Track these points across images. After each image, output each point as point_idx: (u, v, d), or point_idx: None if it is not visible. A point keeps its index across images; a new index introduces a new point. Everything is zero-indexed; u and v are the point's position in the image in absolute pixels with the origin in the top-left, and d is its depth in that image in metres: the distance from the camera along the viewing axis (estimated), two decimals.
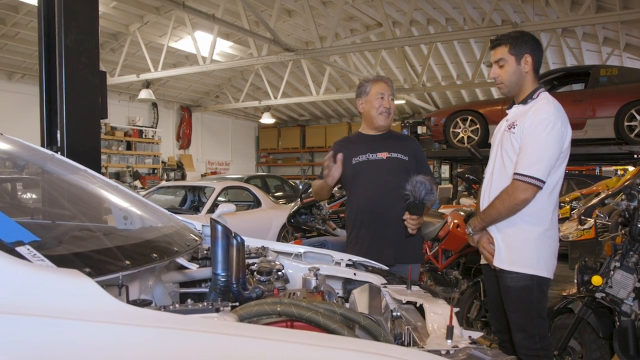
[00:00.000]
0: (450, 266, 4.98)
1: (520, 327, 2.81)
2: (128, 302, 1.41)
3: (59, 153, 3.79)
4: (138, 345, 1.16)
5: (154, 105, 19.30)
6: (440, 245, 4.95)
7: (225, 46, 15.50)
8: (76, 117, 3.88)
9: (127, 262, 1.56)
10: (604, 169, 15.81)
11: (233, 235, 1.75)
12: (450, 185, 12.04)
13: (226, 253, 1.73)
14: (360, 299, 1.99)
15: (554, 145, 2.66)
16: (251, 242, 2.61)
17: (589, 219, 5.52)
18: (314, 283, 2.09)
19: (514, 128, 2.77)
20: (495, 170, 2.88)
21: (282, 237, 8.82)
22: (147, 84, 15.12)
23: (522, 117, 2.75)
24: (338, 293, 2.46)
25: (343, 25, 14.89)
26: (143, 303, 1.49)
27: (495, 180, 2.86)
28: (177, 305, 1.41)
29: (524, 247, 2.75)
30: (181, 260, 1.90)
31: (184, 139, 20.83)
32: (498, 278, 2.87)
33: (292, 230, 6.68)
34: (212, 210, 7.86)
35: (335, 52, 13.24)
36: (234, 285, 1.75)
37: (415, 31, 14.49)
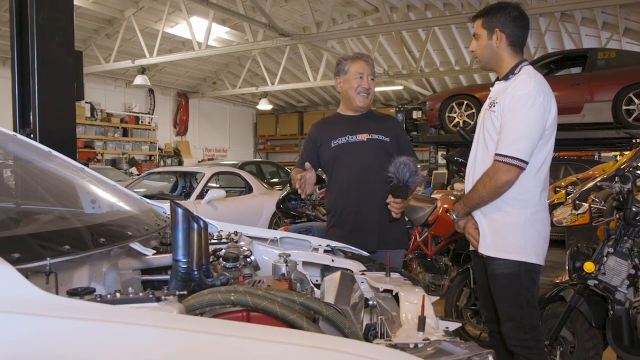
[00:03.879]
0: (440, 252, 4.85)
1: (509, 317, 2.66)
2: (57, 291, 1.28)
3: (32, 136, 3.68)
4: (48, 338, 1.02)
5: (151, 91, 19.19)
6: (430, 230, 4.82)
7: (221, 32, 15.35)
8: (50, 99, 3.74)
9: (67, 247, 1.43)
10: (603, 154, 15.62)
11: (194, 218, 1.63)
12: (445, 171, 11.88)
13: (187, 238, 1.62)
14: (329, 287, 1.86)
15: (535, 122, 2.49)
16: (225, 227, 2.49)
17: (583, 203, 5.39)
18: (283, 269, 1.96)
19: (494, 106, 2.60)
20: (479, 152, 2.72)
21: (275, 223, 8.70)
22: (143, 70, 14.98)
23: (503, 94, 2.58)
24: (317, 280, 2.35)
25: (340, 11, 14.70)
26: (84, 292, 1.36)
27: (478, 162, 2.70)
28: (117, 295, 1.28)
29: (510, 231, 2.59)
30: (136, 246, 1.76)
31: (180, 125, 20.72)
32: (485, 265, 2.73)
33: (282, 215, 6.54)
34: (201, 196, 7.76)
35: (331, 37, 13.08)
36: (195, 272, 1.63)
37: (412, 16, 14.28)
